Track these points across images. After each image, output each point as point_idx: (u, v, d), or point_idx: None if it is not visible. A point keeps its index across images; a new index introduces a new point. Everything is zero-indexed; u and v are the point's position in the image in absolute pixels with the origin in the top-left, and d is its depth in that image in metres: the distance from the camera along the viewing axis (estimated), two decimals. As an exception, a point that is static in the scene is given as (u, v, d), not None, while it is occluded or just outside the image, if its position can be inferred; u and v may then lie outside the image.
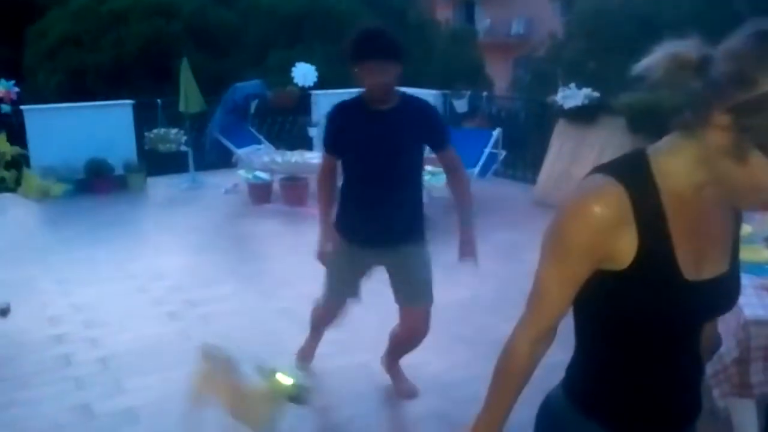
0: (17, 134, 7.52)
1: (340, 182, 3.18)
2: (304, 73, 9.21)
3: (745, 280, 1.64)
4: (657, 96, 5.97)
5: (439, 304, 3.26)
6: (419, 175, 3.12)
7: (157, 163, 8.78)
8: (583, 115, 7.41)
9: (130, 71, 16.25)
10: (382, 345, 3.43)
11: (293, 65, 9.35)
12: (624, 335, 1.26)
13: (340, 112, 3.05)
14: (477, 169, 7.22)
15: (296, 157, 8.00)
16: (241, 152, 8.38)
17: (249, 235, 6.84)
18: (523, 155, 8.91)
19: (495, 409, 1.36)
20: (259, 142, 8.86)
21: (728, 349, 2.36)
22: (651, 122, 6.21)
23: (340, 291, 3.28)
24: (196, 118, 8.70)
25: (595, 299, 1.25)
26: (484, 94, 10.08)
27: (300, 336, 3.69)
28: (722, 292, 1.27)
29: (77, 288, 5.11)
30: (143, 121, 8.75)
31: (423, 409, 3.35)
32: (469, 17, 26.82)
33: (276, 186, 7.84)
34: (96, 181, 8.18)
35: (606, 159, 1.26)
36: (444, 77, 11.75)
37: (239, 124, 8.75)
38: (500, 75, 20.79)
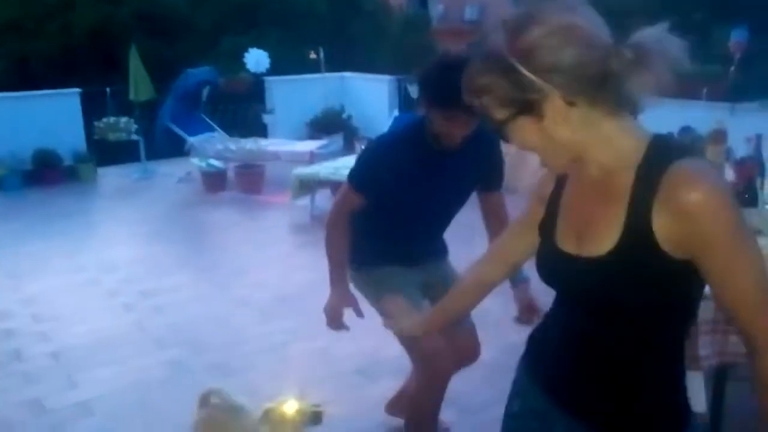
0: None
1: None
2: (256, 59, 9.09)
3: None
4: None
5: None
6: None
7: (107, 152, 8.58)
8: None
9: (77, 59, 15.82)
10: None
11: (246, 51, 9.23)
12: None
13: (395, 150, 2.43)
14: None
15: (250, 144, 7.93)
16: (193, 140, 8.25)
17: (204, 224, 6.76)
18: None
19: None
20: (212, 130, 8.73)
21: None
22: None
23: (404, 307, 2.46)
24: (147, 106, 8.53)
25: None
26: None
27: (257, 325, 3.66)
28: (578, 273, 1.23)
29: (27, 282, 4.98)
30: (92, 109, 8.53)
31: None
32: (423, 3, 26.82)
33: (231, 174, 7.75)
34: (44, 172, 7.96)
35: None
36: (398, 62, 11.73)
37: (191, 112, 8.61)
38: (454, 60, 20.83)
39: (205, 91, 8.84)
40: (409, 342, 2.48)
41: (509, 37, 1.11)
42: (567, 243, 1.26)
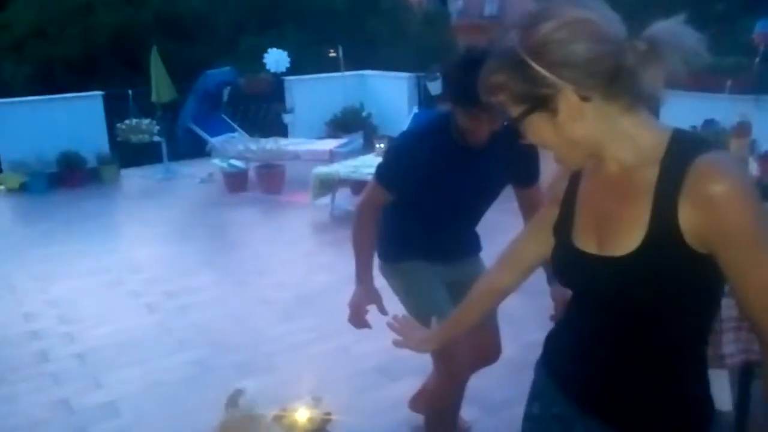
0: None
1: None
2: (276, 59, 9.13)
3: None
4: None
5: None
6: None
7: (130, 154, 8.66)
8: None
9: (99, 62, 16.02)
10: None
11: (265, 51, 9.27)
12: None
13: (422, 144, 2.39)
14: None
15: (271, 144, 7.94)
16: (215, 141, 8.31)
17: (225, 225, 6.80)
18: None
19: None
20: (233, 130, 8.78)
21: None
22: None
23: (434, 303, 2.44)
24: (168, 107, 8.61)
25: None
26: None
27: (279, 325, 3.68)
28: (599, 272, 1.21)
29: (52, 283, 5.05)
30: (114, 112, 8.62)
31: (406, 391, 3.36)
32: (442, -1, 26.78)
33: (252, 174, 7.79)
34: (69, 175, 8.07)
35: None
36: (417, 59, 11.72)
37: (212, 113, 8.66)
38: (474, 56, 20.73)
39: (226, 92, 8.89)
40: None
41: (521, 33, 1.11)
42: (586, 243, 1.23)
